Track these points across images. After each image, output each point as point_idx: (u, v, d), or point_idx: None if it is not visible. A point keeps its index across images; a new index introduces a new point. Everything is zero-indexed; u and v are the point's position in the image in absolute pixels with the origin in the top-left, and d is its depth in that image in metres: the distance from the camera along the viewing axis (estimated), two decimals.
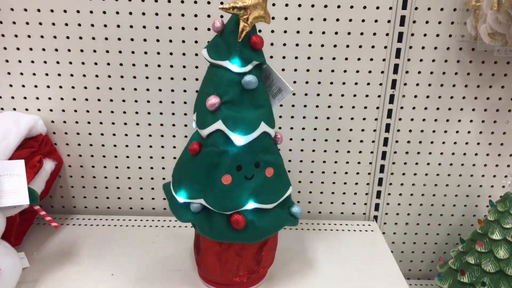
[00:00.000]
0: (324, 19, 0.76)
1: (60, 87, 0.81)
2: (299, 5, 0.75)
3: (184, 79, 0.80)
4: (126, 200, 0.90)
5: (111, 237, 0.80)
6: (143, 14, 0.76)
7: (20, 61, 0.79)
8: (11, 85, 0.80)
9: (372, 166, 0.87)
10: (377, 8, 0.76)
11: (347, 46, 0.78)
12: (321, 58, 0.79)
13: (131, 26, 0.76)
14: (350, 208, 0.91)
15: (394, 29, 0.77)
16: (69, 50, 0.78)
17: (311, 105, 0.82)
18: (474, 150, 0.87)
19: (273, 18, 0.74)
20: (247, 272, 0.65)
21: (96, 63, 0.79)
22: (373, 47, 0.79)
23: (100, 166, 0.87)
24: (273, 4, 0.75)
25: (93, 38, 0.77)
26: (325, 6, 0.76)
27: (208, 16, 0.76)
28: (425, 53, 0.79)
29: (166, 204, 0.65)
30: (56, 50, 0.78)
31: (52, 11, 0.75)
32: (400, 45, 0.78)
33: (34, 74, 0.80)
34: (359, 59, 0.79)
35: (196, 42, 0.78)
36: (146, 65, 0.79)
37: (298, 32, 0.77)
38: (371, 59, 0.79)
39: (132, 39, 0.77)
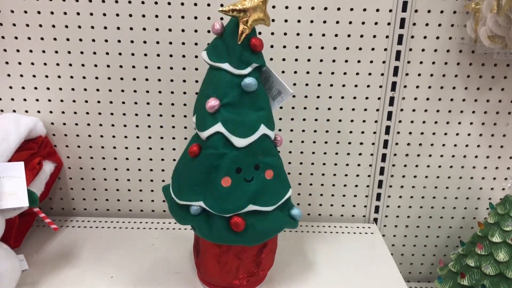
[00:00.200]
0: (324, 21, 0.77)
1: (60, 89, 0.81)
2: (299, 8, 0.76)
3: (184, 81, 0.80)
4: (125, 202, 0.90)
5: (110, 239, 0.80)
6: (143, 16, 0.76)
7: (20, 63, 0.79)
8: (11, 87, 0.80)
9: (372, 168, 0.87)
10: (377, 10, 0.76)
11: (347, 48, 0.78)
12: (321, 60, 0.79)
13: (131, 28, 0.77)
14: (350, 210, 0.91)
15: (394, 31, 0.77)
16: (69, 52, 0.78)
17: (311, 107, 0.82)
18: (474, 153, 0.87)
19: (273, 20, 0.74)
20: (247, 275, 0.65)
21: (96, 65, 0.79)
22: (373, 49, 0.79)
23: (99, 168, 0.87)
24: (273, 7, 0.75)
25: (93, 40, 0.77)
26: (325, 8, 0.76)
27: (208, 18, 0.76)
28: (425, 55, 0.79)
29: (166, 206, 0.65)
30: (56, 52, 0.78)
31: (52, 13, 0.75)
32: (400, 47, 0.78)
33: (34, 76, 0.80)
34: (359, 61, 0.79)
35: (196, 44, 0.78)
36: (146, 67, 0.79)
37: (298, 34, 0.77)
38: (371, 61, 0.79)
39: (132, 41, 0.77)
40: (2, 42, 0.77)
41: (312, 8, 0.76)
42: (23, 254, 0.70)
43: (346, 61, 0.79)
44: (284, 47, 0.78)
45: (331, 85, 0.81)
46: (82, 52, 0.78)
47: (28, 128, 0.75)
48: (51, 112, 0.82)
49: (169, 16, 0.76)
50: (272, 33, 0.77)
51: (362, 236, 0.86)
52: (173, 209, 0.62)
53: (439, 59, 0.80)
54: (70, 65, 0.79)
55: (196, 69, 0.79)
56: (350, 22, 0.77)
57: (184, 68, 0.79)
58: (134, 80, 0.80)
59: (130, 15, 0.76)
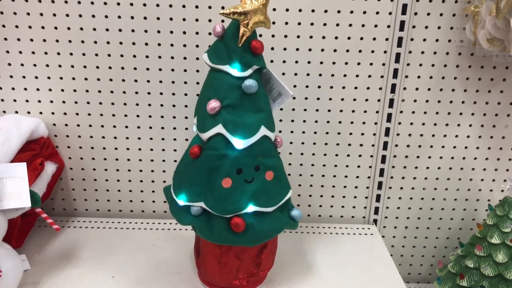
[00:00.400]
0: (324, 24, 0.77)
1: (62, 90, 0.81)
2: (300, 10, 0.76)
3: (185, 82, 0.81)
4: (126, 202, 0.90)
5: (112, 239, 0.81)
6: (145, 18, 0.76)
7: (22, 65, 0.79)
8: (13, 88, 0.81)
9: (371, 169, 0.88)
10: (377, 13, 0.77)
11: (347, 50, 0.79)
12: (321, 63, 0.80)
13: (133, 30, 0.77)
14: (350, 211, 0.91)
15: (394, 34, 0.78)
16: (71, 54, 0.79)
17: (311, 109, 0.83)
18: (473, 155, 0.87)
19: (273, 23, 0.75)
20: (247, 275, 0.65)
21: (98, 67, 0.80)
22: (372, 51, 0.79)
23: (101, 169, 0.87)
24: (274, 9, 0.76)
25: (95, 42, 0.78)
26: (325, 11, 0.76)
27: (209, 20, 0.76)
28: (425, 58, 0.80)
29: (167, 207, 0.66)
30: (58, 53, 0.79)
31: (54, 15, 0.76)
32: (400, 50, 0.79)
33: (36, 77, 0.80)
34: (359, 63, 0.80)
35: (197, 46, 0.78)
36: (148, 69, 0.80)
37: (298, 36, 0.78)
38: (371, 64, 0.80)
39: (133, 43, 0.78)
40: (4, 43, 0.78)
41: (313, 10, 0.76)
42: (25, 254, 0.70)
43: (346, 63, 0.80)
44: (285, 49, 0.79)
45: (331, 87, 0.81)
46: (84, 54, 0.79)
47: (30, 129, 0.76)
48: (53, 113, 0.83)
49: (171, 19, 0.76)
50: (273, 36, 0.77)
51: (361, 237, 0.86)
52: (174, 209, 0.62)
53: (439, 61, 0.80)
54: (72, 66, 0.80)
55: (197, 71, 0.80)
56: (350, 25, 0.77)
57: (185, 70, 0.80)
58: (136, 82, 0.81)
59: (132, 17, 0.76)
